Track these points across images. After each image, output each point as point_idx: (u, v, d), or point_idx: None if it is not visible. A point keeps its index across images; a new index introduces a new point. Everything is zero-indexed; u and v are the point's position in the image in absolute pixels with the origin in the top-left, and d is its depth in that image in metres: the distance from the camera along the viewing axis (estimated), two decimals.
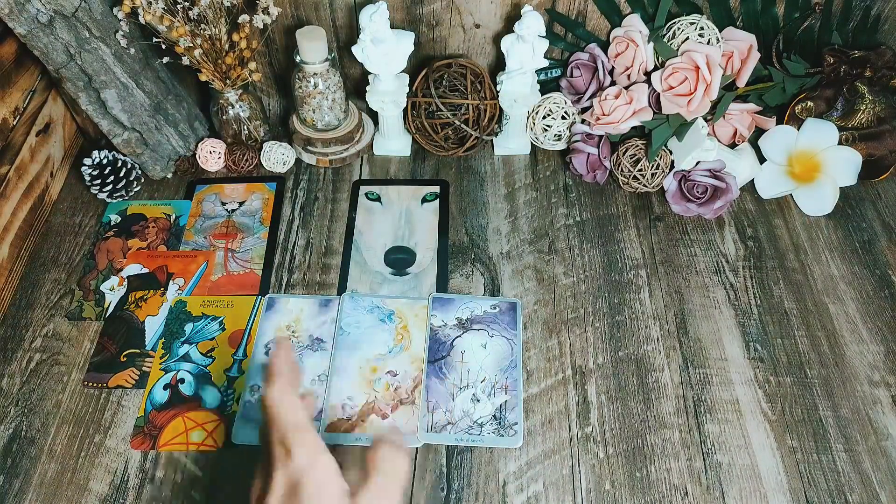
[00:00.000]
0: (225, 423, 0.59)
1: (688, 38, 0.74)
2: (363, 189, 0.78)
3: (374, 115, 0.81)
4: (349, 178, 0.79)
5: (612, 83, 0.77)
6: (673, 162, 0.74)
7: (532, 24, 0.69)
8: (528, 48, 0.71)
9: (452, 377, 0.62)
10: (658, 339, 0.65)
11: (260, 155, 0.80)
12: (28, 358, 0.64)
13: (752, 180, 0.77)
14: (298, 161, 0.81)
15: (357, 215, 0.75)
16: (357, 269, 0.70)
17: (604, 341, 0.64)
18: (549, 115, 0.79)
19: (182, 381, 0.62)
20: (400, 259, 0.71)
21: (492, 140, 0.82)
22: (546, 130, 0.80)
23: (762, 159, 0.76)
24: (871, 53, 0.74)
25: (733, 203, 0.76)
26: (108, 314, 0.67)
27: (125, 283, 0.69)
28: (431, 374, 0.62)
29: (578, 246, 0.72)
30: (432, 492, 0.55)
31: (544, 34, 0.71)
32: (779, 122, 0.77)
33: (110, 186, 0.74)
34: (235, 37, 0.70)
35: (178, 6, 0.67)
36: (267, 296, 0.68)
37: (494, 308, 0.66)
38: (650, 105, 0.75)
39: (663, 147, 0.73)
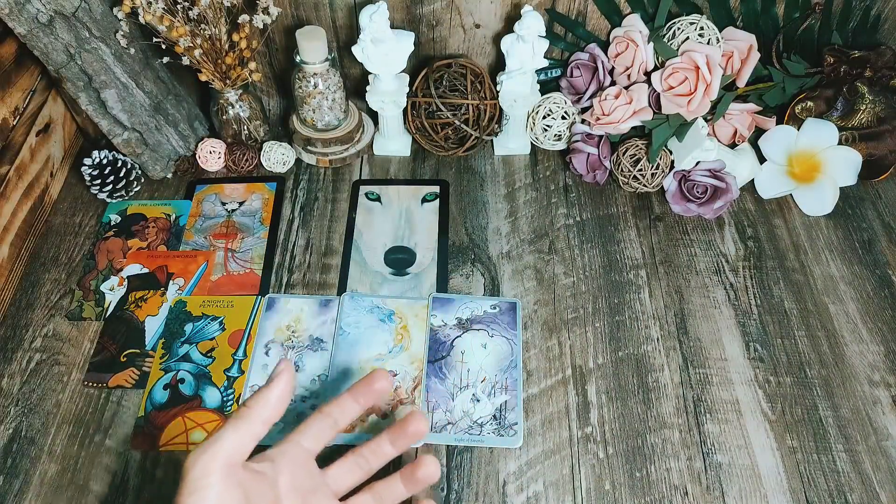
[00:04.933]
0: (225, 423, 0.59)
1: (688, 38, 0.74)
2: (363, 189, 0.78)
3: (374, 115, 0.81)
4: (349, 178, 0.79)
5: (612, 83, 0.77)
6: (673, 162, 0.74)
7: (532, 24, 0.69)
8: (528, 48, 0.71)
9: (452, 377, 0.62)
10: (658, 339, 0.65)
11: (260, 155, 0.80)
12: (28, 358, 0.64)
13: (752, 180, 0.77)
14: (298, 161, 0.81)
15: (357, 215, 0.75)
16: (357, 269, 0.70)
17: (604, 341, 0.64)
18: (549, 115, 0.79)
19: (182, 381, 0.62)
20: (400, 259, 0.71)
21: (492, 140, 0.82)
22: (546, 130, 0.80)
23: (762, 159, 0.76)
24: (871, 53, 0.74)
25: (733, 203, 0.76)
26: (108, 314, 0.67)
27: (125, 283, 0.69)
28: (431, 374, 0.62)
29: (578, 246, 0.72)
30: (432, 492, 0.55)
31: (544, 34, 0.71)
32: (779, 122, 0.77)
33: (110, 186, 0.74)
34: (235, 37, 0.70)
35: (178, 6, 0.67)
36: (267, 296, 0.68)
37: (494, 308, 0.66)
38: (650, 105, 0.75)
39: (663, 147, 0.73)
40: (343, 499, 0.44)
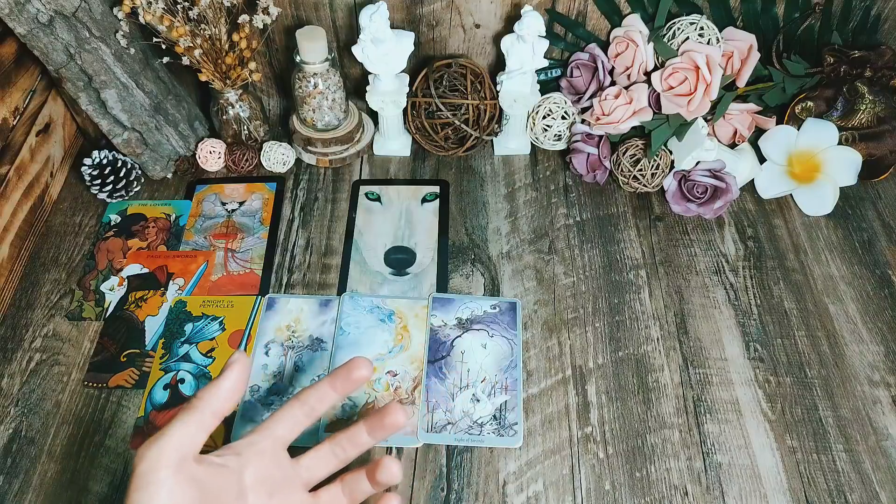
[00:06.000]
0: (225, 423, 0.59)
1: (688, 38, 0.74)
2: (363, 189, 0.78)
3: (374, 115, 0.81)
4: (349, 178, 0.79)
5: (612, 83, 0.77)
6: (673, 162, 0.74)
7: (532, 24, 0.69)
8: (528, 48, 0.71)
9: (452, 377, 0.62)
10: (658, 339, 0.65)
11: (260, 155, 0.80)
12: (28, 358, 0.64)
13: (752, 180, 0.77)
14: (298, 161, 0.81)
15: (357, 215, 0.75)
16: (357, 269, 0.70)
17: (604, 341, 0.64)
18: (549, 115, 0.79)
19: (182, 381, 0.62)
20: (400, 259, 0.71)
21: (492, 140, 0.82)
22: (546, 130, 0.80)
23: (762, 159, 0.76)
24: (871, 53, 0.74)
25: (733, 203, 0.76)
26: (108, 314, 0.67)
27: (125, 283, 0.69)
28: (431, 374, 0.62)
29: (578, 246, 0.72)
30: (432, 492, 0.55)
31: (544, 34, 0.71)
32: (779, 122, 0.77)
33: (110, 186, 0.74)
34: (235, 37, 0.70)
35: (178, 6, 0.67)
36: (267, 296, 0.68)
37: (494, 308, 0.66)
38: (650, 105, 0.75)
39: (663, 147, 0.73)
40: (314, 489, 0.43)
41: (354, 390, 0.43)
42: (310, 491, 0.43)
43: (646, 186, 0.75)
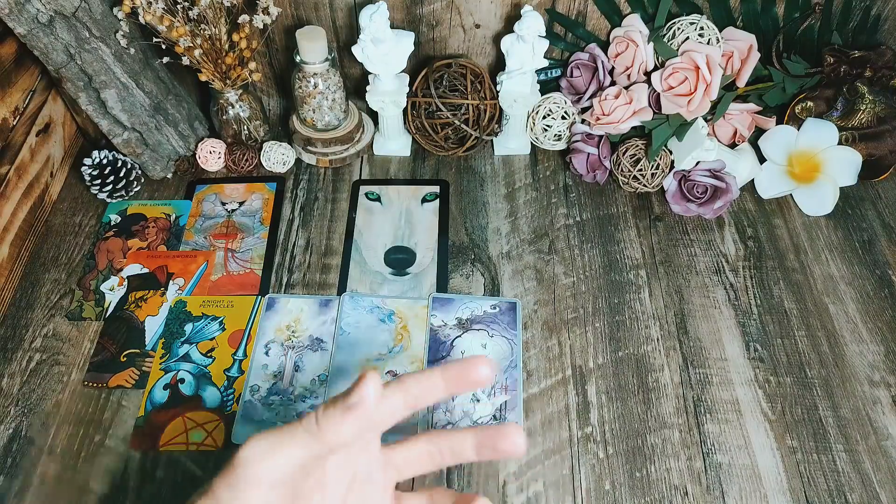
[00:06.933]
0: (225, 423, 0.59)
1: (688, 38, 0.74)
2: (363, 189, 0.78)
3: (374, 115, 0.81)
4: (349, 178, 0.79)
5: (612, 83, 0.77)
6: (673, 162, 0.74)
7: (532, 24, 0.69)
8: (528, 48, 0.71)
9: None
10: (658, 339, 0.65)
11: (260, 155, 0.80)
12: (28, 358, 0.64)
13: (752, 180, 0.77)
14: (298, 161, 0.81)
15: (357, 215, 0.75)
16: (357, 269, 0.70)
17: (604, 341, 0.64)
18: (549, 115, 0.79)
19: (182, 381, 0.62)
20: (400, 259, 0.71)
21: (492, 140, 0.82)
22: (546, 130, 0.80)
23: (762, 159, 0.76)
24: (871, 53, 0.74)
25: (733, 203, 0.76)
26: (108, 314, 0.67)
27: (125, 283, 0.69)
28: None
29: (578, 246, 0.72)
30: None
31: (544, 34, 0.71)
32: (779, 122, 0.77)
33: (110, 186, 0.74)
34: (235, 37, 0.70)
35: (178, 6, 0.67)
36: (267, 296, 0.68)
37: (494, 308, 0.66)
38: (650, 105, 0.75)
39: (663, 147, 0.73)
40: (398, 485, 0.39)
41: (468, 391, 0.36)
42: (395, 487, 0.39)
43: (646, 186, 0.75)
